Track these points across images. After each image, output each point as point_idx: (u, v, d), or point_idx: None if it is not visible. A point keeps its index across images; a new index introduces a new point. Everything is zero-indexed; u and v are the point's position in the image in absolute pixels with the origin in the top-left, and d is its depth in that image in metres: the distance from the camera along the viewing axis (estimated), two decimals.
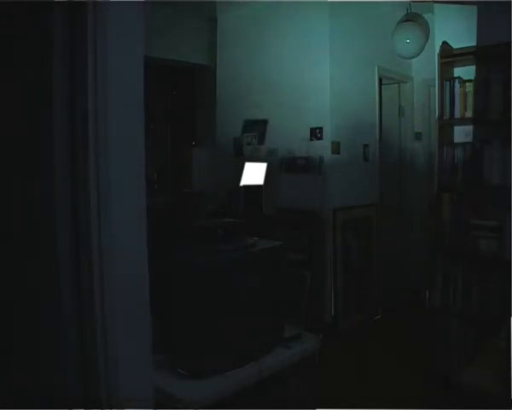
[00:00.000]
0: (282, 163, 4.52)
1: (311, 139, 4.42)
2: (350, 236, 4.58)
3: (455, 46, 3.35)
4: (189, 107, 5.49)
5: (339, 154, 4.44)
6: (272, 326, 2.18)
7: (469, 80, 3.22)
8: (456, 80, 3.26)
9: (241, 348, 2.01)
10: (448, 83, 3.28)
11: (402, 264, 5.46)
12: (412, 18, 4.05)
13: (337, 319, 4.38)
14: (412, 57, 4.35)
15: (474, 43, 3.26)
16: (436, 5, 3.60)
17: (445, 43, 3.35)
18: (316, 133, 4.39)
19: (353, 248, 4.62)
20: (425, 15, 4.08)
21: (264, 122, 4.67)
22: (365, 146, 4.77)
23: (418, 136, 5.42)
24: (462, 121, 3.30)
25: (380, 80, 4.97)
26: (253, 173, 4.70)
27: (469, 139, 3.36)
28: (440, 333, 3.36)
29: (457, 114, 3.26)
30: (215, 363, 1.91)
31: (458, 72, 3.40)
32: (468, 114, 3.22)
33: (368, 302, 4.76)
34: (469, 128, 3.40)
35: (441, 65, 3.34)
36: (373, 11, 4.64)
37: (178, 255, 1.98)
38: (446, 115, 3.31)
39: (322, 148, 4.36)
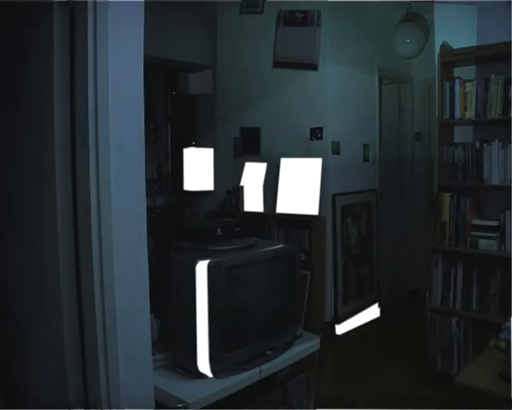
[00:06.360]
0: (280, 16, 4.43)
1: (311, 139, 4.43)
2: (349, 236, 4.58)
3: (455, 46, 3.35)
4: (189, 106, 5.48)
5: (339, 154, 4.44)
6: (274, 327, 2.17)
7: (469, 80, 3.22)
8: (456, 80, 3.26)
9: (242, 349, 2.00)
10: (448, 83, 3.28)
11: (402, 264, 5.46)
12: (412, 18, 4.05)
13: (337, 319, 4.38)
14: (412, 57, 4.35)
15: (474, 43, 3.26)
16: (436, 5, 3.60)
17: (445, 43, 3.35)
18: (316, 133, 4.40)
19: (353, 251, 4.62)
20: (425, 15, 4.08)
21: None
22: (365, 146, 4.77)
23: (418, 136, 5.43)
24: (462, 121, 3.30)
25: (380, 80, 4.97)
26: (253, 173, 4.70)
27: (469, 139, 3.36)
28: (440, 333, 3.36)
29: (457, 114, 3.26)
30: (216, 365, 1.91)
31: (458, 72, 3.40)
32: (468, 114, 3.22)
33: (368, 302, 4.76)
34: (469, 128, 3.40)
35: (441, 65, 3.35)
36: (373, 11, 4.64)
37: (178, 255, 1.97)
38: (446, 115, 3.31)
39: (323, 148, 4.36)
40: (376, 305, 4.85)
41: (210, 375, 1.85)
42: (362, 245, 4.71)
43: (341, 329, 4.39)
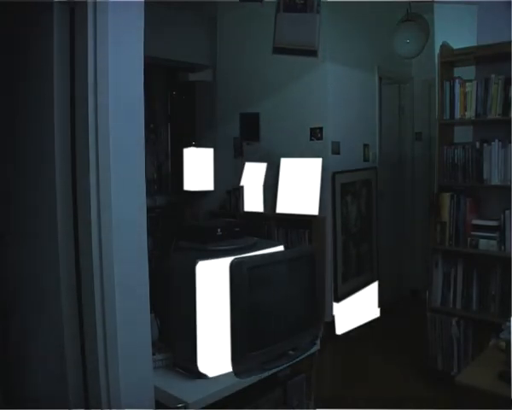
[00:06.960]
0: (280, 2, 4.43)
1: (311, 139, 4.43)
2: (349, 214, 4.56)
3: (455, 46, 3.35)
4: (189, 106, 5.49)
5: (339, 154, 4.44)
6: (296, 327, 2.16)
7: (469, 80, 3.22)
8: (456, 80, 3.26)
9: (265, 349, 1.99)
10: (448, 83, 3.28)
11: (402, 264, 5.46)
12: (412, 18, 4.05)
13: (336, 298, 4.36)
14: (412, 57, 4.35)
15: (474, 43, 3.26)
16: (436, 5, 3.60)
17: (445, 43, 3.35)
18: (316, 133, 4.40)
19: (352, 229, 4.60)
20: (425, 15, 4.08)
21: None
22: (365, 146, 4.77)
23: (418, 136, 5.43)
24: (462, 121, 3.30)
25: (380, 80, 4.97)
26: (253, 173, 4.70)
27: (469, 139, 3.36)
28: (440, 333, 3.36)
29: (457, 114, 3.27)
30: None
31: (458, 72, 3.40)
32: (468, 114, 3.22)
33: (367, 280, 4.75)
34: (469, 128, 3.40)
35: (441, 65, 3.35)
36: (373, 11, 4.64)
37: (178, 255, 1.97)
38: (446, 115, 3.31)
39: (323, 148, 4.36)
40: (376, 284, 4.80)
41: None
42: (361, 223, 4.70)
43: (341, 328, 4.39)
